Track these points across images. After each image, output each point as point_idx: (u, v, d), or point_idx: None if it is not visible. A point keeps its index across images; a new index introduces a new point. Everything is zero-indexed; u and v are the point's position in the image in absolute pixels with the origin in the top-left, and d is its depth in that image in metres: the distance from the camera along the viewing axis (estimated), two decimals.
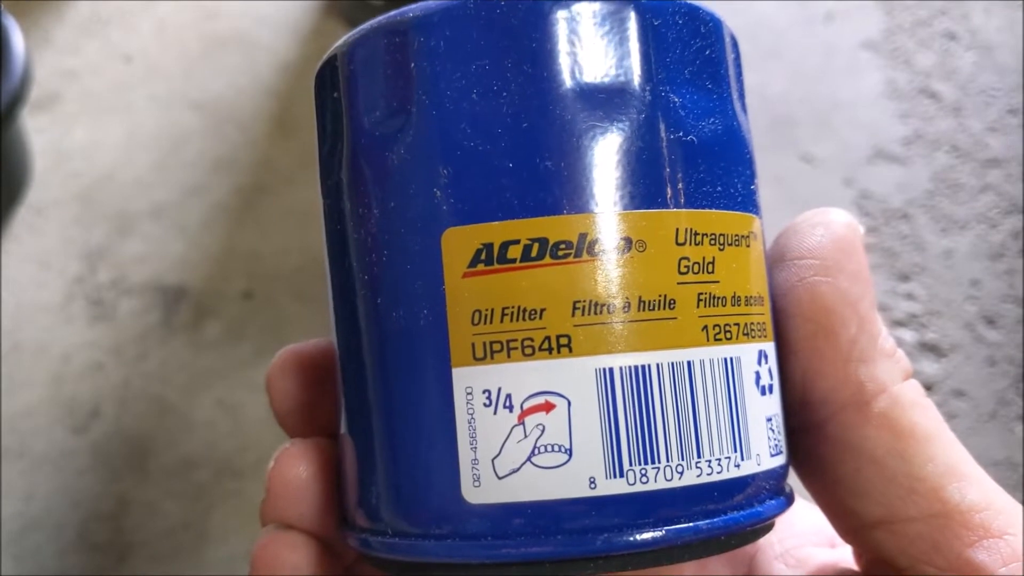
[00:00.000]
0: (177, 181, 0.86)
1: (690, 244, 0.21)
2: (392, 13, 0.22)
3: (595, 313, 0.20)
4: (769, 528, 0.22)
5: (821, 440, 0.23)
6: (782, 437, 0.22)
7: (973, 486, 0.21)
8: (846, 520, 0.23)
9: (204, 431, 0.72)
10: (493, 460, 0.20)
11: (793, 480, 0.24)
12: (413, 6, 0.21)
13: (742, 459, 0.21)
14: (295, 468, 0.24)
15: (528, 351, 0.20)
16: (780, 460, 0.22)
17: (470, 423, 0.20)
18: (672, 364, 0.20)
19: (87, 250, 0.81)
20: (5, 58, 0.74)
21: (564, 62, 0.20)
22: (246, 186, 0.86)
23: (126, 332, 0.77)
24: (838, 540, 0.25)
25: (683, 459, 0.20)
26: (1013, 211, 0.86)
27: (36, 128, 0.87)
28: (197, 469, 0.70)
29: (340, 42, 0.23)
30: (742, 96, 0.24)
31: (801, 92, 0.95)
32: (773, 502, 0.22)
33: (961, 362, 0.78)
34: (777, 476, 0.22)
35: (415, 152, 0.21)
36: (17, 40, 0.76)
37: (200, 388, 0.74)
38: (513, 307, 0.20)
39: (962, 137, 0.91)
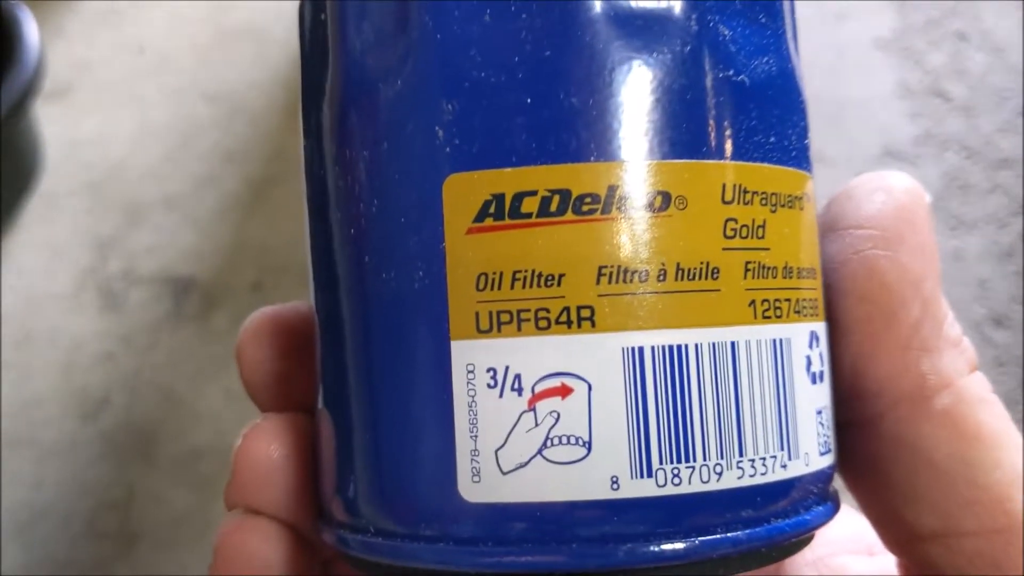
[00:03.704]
0: (188, 172, 0.86)
1: (738, 203, 0.17)
2: None
3: (624, 281, 0.17)
4: (811, 538, 0.19)
5: (873, 438, 0.20)
6: (831, 433, 0.19)
7: None
8: (895, 530, 0.20)
9: (212, 421, 0.72)
10: (497, 452, 0.17)
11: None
12: None
13: (789, 458, 0.18)
14: (265, 447, 0.21)
15: (543, 324, 0.17)
16: (829, 460, 0.19)
17: (471, 407, 0.17)
18: (713, 344, 0.17)
19: (98, 240, 0.81)
20: (19, 49, 0.75)
21: None
22: (257, 178, 0.86)
23: (136, 322, 0.77)
24: (877, 547, 0.22)
25: (722, 458, 0.17)
26: (1022, 212, 0.86)
27: (48, 118, 0.87)
28: (204, 459, 0.70)
29: None
30: (796, 36, 0.21)
31: (812, 91, 0.94)
32: (820, 508, 0.19)
33: None
34: (825, 478, 0.19)
35: (414, 84, 0.18)
36: (31, 31, 0.77)
37: (208, 378, 0.74)
38: (526, 271, 0.17)
39: (972, 137, 0.91)
